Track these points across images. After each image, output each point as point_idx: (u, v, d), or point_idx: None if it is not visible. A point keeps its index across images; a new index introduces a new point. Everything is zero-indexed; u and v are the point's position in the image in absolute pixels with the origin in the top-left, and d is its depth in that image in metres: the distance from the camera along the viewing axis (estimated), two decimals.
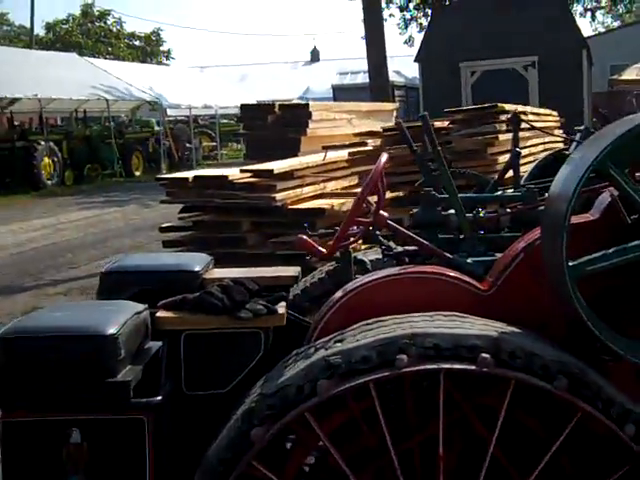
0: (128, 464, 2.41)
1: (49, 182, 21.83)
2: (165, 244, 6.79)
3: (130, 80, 27.93)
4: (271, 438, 2.12)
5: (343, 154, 7.84)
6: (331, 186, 7.40)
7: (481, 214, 3.15)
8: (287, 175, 6.68)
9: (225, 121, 33.68)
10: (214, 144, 32.86)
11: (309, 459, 2.42)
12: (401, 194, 6.91)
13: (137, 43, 54.36)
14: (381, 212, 2.75)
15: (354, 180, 7.75)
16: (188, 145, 29.12)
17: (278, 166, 6.78)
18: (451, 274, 2.50)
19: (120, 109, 29.75)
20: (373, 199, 2.87)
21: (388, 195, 2.94)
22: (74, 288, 8.97)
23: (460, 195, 3.12)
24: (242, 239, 6.47)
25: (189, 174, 6.94)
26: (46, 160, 21.72)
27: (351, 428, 2.29)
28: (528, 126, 5.37)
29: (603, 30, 40.76)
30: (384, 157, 2.81)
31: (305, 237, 2.75)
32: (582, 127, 5.32)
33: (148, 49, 53.87)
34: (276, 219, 6.47)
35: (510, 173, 4.21)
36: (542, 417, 2.26)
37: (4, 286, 9.34)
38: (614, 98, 20.20)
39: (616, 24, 46.31)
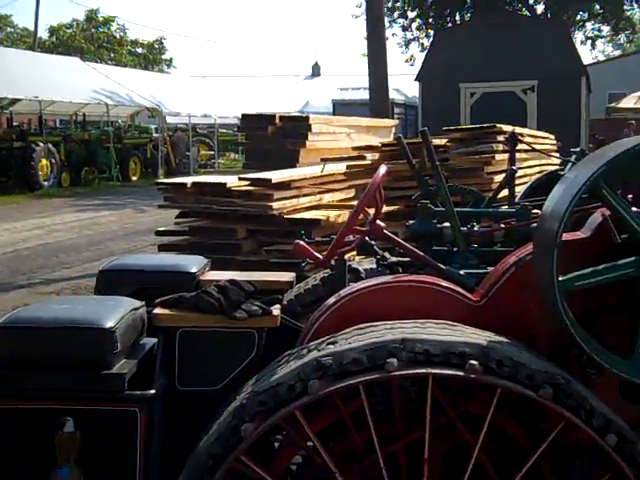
0: (119, 455, 2.45)
1: (45, 183, 21.79)
2: (160, 248, 6.84)
3: (131, 86, 28.00)
4: (261, 434, 2.16)
5: (341, 167, 7.89)
6: (327, 198, 7.45)
7: (475, 228, 3.21)
8: (284, 185, 6.73)
9: (223, 131, 33.74)
10: (211, 153, 32.90)
11: (296, 458, 2.46)
12: (396, 208, 6.96)
13: (140, 50, 54.50)
14: (378, 222, 2.80)
15: (351, 193, 7.80)
16: (186, 153, 29.17)
17: (276, 176, 6.83)
18: (443, 284, 2.55)
19: (119, 114, 29.80)
20: (370, 210, 2.92)
21: (384, 209, 2.99)
22: (66, 288, 8.98)
23: (456, 209, 3.18)
24: (237, 246, 6.52)
25: (188, 180, 6.99)
26: (43, 161, 21.68)
27: (339, 429, 2.33)
28: (525, 146, 5.45)
29: (603, 58, 41.03)
30: (383, 169, 2.86)
31: (303, 243, 2.79)
32: (577, 149, 5.39)
33: (150, 57, 54.00)
34: (271, 227, 6.52)
35: (505, 191, 4.28)
36: (526, 426, 2.31)
37: None
38: (611, 126, 20.36)
39: (617, 53, 46.68)
